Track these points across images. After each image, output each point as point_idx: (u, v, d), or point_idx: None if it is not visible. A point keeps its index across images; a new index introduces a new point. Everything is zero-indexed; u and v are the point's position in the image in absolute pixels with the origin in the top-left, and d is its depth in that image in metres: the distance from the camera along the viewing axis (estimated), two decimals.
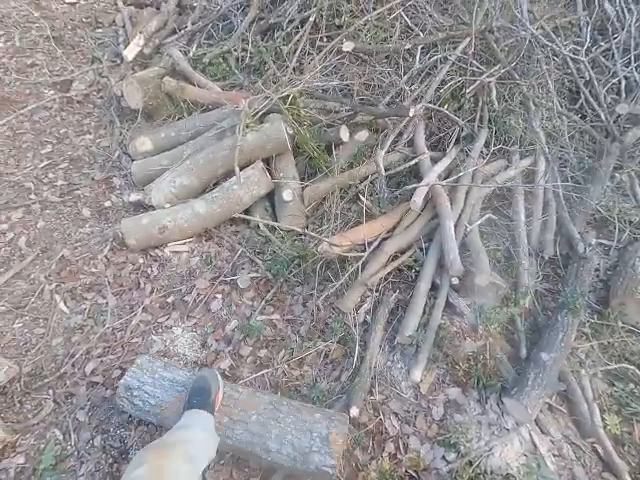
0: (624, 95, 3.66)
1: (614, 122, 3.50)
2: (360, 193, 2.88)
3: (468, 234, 2.61)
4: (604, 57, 3.84)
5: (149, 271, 2.69)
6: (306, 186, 2.92)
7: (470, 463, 1.82)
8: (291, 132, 3.04)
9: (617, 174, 3.38)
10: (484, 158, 3.24)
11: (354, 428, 1.93)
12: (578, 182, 3.27)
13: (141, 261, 2.75)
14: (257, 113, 3.05)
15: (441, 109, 3.32)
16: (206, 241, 2.88)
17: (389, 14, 3.83)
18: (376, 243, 2.48)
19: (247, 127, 2.90)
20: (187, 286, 2.61)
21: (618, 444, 1.91)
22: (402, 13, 3.79)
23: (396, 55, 3.59)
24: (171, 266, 2.73)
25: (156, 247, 2.81)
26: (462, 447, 1.87)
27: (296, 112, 3.07)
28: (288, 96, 3.13)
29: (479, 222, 2.74)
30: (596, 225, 3.03)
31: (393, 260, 2.46)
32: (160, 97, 3.59)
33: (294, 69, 3.81)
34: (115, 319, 2.42)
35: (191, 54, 4.02)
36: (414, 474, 1.83)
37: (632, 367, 2.17)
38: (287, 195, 2.78)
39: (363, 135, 3.27)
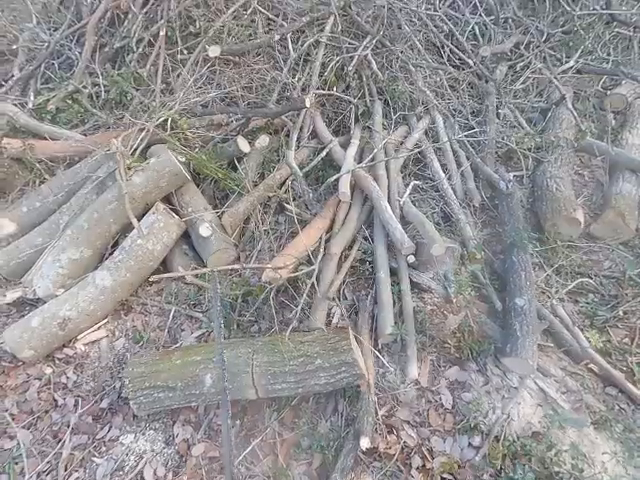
0: (481, 40, 3.96)
1: (482, 64, 3.74)
2: (283, 202, 2.62)
3: (403, 207, 2.53)
4: (452, 10, 4.11)
5: (64, 379, 2.11)
6: (222, 213, 2.56)
7: (497, 439, 1.71)
8: (183, 160, 2.65)
9: (500, 110, 3.61)
10: (387, 129, 3.22)
11: (376, 461, 1.69)
12: (473, 127, 3.43)
13: (49, 371, 2.14)
14: (135, 150, 2.59)
15: (331, 92, 3.19)
16: (126, 314, 2.37)
17: (245, 10, 3.60)
18: (321, 249, 2.24)
19: (129, 169, 2.43)
20: (122, 375, 2.10)
21: (605, 356, 1.97)
22: (258, 7, 3.58)
23: (269, 49, 3.37)
24: (92, 362, 2.18)
25: (64, 346, 2.22)
26: (482, 426, 1.75)
27: (182, 136, 2.68)
28: (166, 121, 2.72)
29: (408, 192, 2.68)
30: (502, 161, 3.19)
31: (343, 260, 2.26)
32: (6, 165, 2.88)
33: (162, 91, 3.37)
34: (38, 460, 1.83)
35: (30, 105, 3.33)
36: (450, 477, 1.66)
37: (585, 279, 2.29)
38: (205, 230, 2.40)
39: (263, 140, 3.00)
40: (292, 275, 2.05)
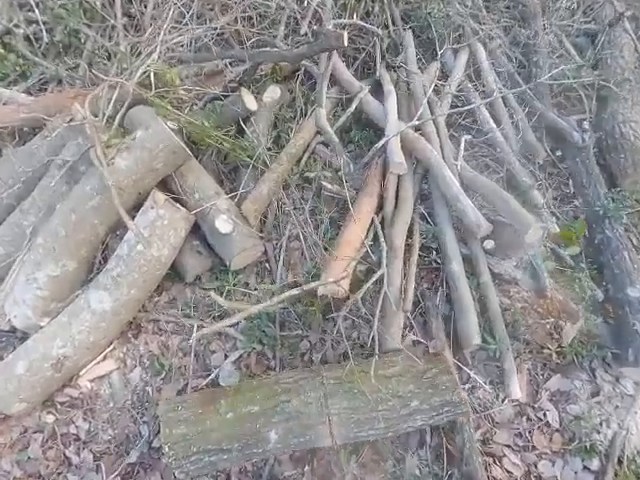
0: None
1: None
2: (316, 177, 2.07)
3: (461, 173, 2.04)
4: None
5: (73, 430, 1.68)
6: (238, 196, 1.99)
7: (619, 461, 1.46)
8: (175, 127, 1.99)
9: (545, 36, 2.98)
10: (421, 70, 2.59)
11: None
12: (520, 61, 2.84)
13: (51, 420, 1.70)
14: (110, 118, 1.91)
15: (355, 22, 2.47)
16: (136, 337, 1.89)
17: None
18: (381, 241, 1.75)
19: (108, 148, 1.78)
20: (148, 418, 1.69)
21: None
22: None
23: None
24: (104, 403, 1.75)
25: (63, 386, 1.75)
26: (599, 445, 1.49)
27: (173, 95, 1.99)
28: (146, 74, 1.99)
29: (462, 152, 2.17)
30: (559, 103, 2.67)
31: (406, 254, 1.80)
32: None
33: (126, 27, 2.55)
34: None
35: None
36: None
37: None
38: (224, 225, 1.85)
39: (274, 92, 2.34)
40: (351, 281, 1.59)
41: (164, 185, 2.02)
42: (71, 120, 1.91)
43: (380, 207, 1.98)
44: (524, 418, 1.59)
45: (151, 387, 1.76)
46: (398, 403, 1.32)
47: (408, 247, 1.83)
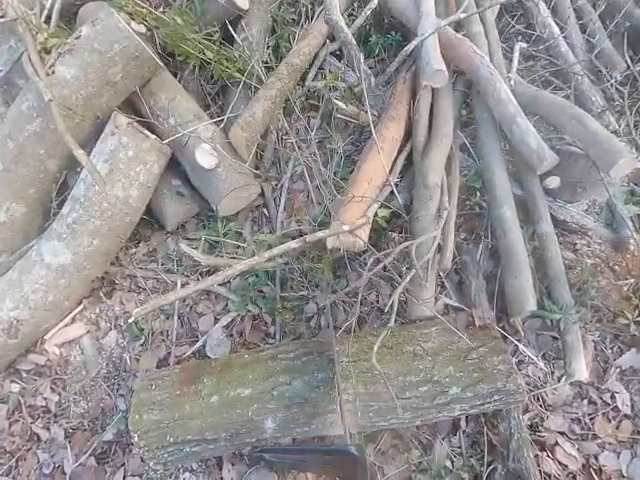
0: None
1: None
2: (325, 94, 1.59)
3: (516, 89, 1.54)
4: None
5: (41, 401, 1.44)
6: (225, 121, 1.55)
7: None
8: (143, 30, 1.51)
9: None
10: None
11: None
12: None
13: (15, 389, 1.46)
14: (49, 17, 1.43)
15: None
16: (109, 295, 1.59)
17: None
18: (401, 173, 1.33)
19: (47, 52, 1.33)
20: (125, 391, 1.43)
21: None
22: None
23: None
24: (75, 371, 1.49)
25: (27, 352, 1.48)
26: None
27: None
28: None
29: (517, 58, 1.66)
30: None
31: (443, 194, 1.38)
32: None
33: None
34: None
35: None
36: None
37: None
38: (206, 158, 1.44)
39: None
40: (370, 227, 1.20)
41: (131, 108, 1.59)
42: (1, 17, 1.44)
43: (409, 134, 1.52)
44: (585, 401, 1.28)
45: (129, 354, 1.48)
46: (432, 389, 1.00)
47: (449, 187, 1.40)
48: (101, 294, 1.56)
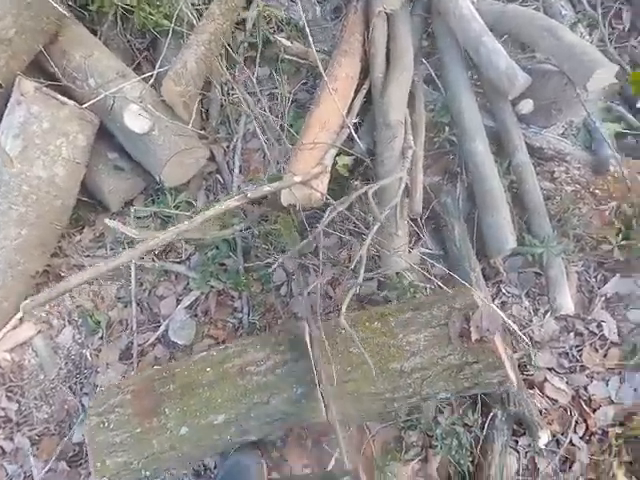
0: None
1: None
2: (267, 33, 1.39)
3: (479, 6, 1.37)
4: None
5: None
6: (156, 77, 1.35)
7: None
8: None
9: None
10: None
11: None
12: None
13: None
14: None
15: None
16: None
17: None
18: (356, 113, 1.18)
19: None
20: (89, 389, 1.32)
21: None
22: None
23: None
24: (32, 375, 1.36)
25: None
26: None
27: None
28: None
29: None
30: None
31: (408, 132, 1.24)
32: None
33: None
34: None
35: None
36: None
37: None
38: (137, 122, 1.25)
39: None
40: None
41: (41, 72, 1.36)
42: None
43: (367, 70, 1.36)
44: (571, 334, 1.23)
45: (88, 350, 1.35)
46: (420, 399, 0.91)
47: (413, 125, 1.26)
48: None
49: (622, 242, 1.19)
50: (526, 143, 1.27)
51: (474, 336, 0.85)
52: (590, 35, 1.59)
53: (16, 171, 1.17)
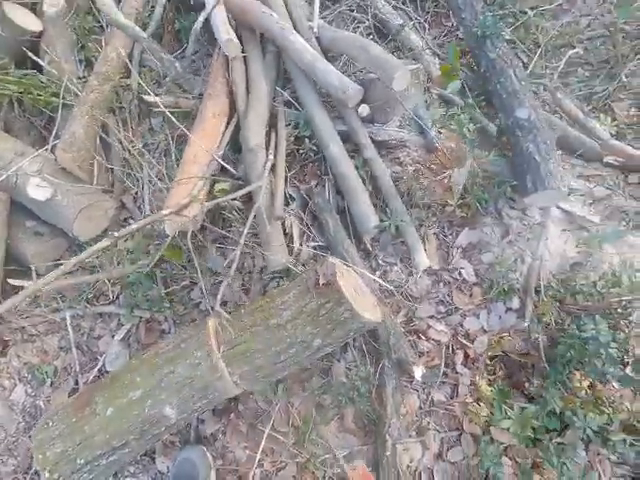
0: None
1: None
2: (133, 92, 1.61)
3: (319, 34, 1.65)
4: None
5: None
6: (52, 149, 1.54)
7: (536, 291, 1.40)
8: None
9: None
10: None
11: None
12: None
13: None
14: None
15: None
16: (4, 354, 1.58)
17: None
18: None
19: None
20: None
21: (621, 139, 1.59)
22: None
23: None
24: None
25: None
26: (516, 283, 1.42)
27: None
28: None
29: (317, 7, 1.75)
30: None
31: (272, 151, 1.48)
32: None
33: None
34: None
35: None
36: (502, 354, 1.39)
37: (573, 50, 1.76)
38: (39, 191, 1.44)
39: (55, 1, 1.73)
40: (210, 203, 1.28)
41: None
42: None
43: (233, 107, 1.60)
44: (441, 284, 1.49)
45: (41, 399, 1.50)
46: (300, 348, 1.13)
47: (276, 144, 1.50)
48: None
49: (459, 201, 1.46)
50: (373, 139, 1.54)
51: (321, 281, 1.08)
52: (423, 36, 1.89)
53: None
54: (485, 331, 1.45)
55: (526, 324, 1.38)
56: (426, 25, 1.93)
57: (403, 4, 1.91)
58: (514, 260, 1.47)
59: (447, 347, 1.42)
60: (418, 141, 1.52)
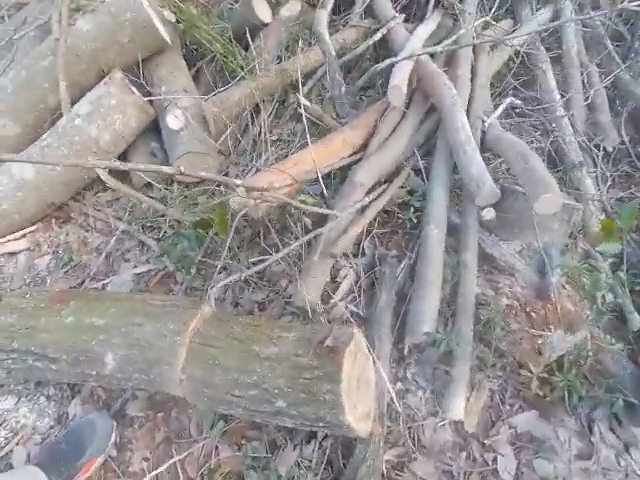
0: None
1: None
2: (297, 92, 1.70)
3: (487, 130, 1.54)
4: None
5: None
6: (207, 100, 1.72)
7: None
8: (173, 19, 1.78)
9: None
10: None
11: None
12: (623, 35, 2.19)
13: None
14: None
15: None
16: (61, 226, 1.71)
17: None
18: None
19: (78, 11, 1.61)
20: None
21: None
22: None
23: None
24: (3, 278, 1.58)
25: None
26: None
27: None
28: None
29: (500, 110, 1.66)
30: None
31: (375, 198, 1.38)
32: None
33: None
34: None
35: None
36: None
37: None
38: (174, 120, 1.59)
39: (294, 7, 2.03)
40: (279, 200, 1.21)
41: (135, 76, 1.81)
42: None
43: (365, 145, 1.57)
44: (464, 453, 1.10)
45: (52, 277, 1.56)
46: (260, 396, 0.91)
47: (381, 194, 1.40)
48: (53, 221, 1.70)
49: (543, 374, 1.10)
50: (482, 248, 1.31)
51: (328, 341, 0.87)
52: (598, 187, 1.63)
53: (77, 124, 1.54)
54: None
55: None
56: (609, 180, 1.66)
57: (595, 147, 1.69)
58: None
59: None
60: (531, 279, 1.24)
